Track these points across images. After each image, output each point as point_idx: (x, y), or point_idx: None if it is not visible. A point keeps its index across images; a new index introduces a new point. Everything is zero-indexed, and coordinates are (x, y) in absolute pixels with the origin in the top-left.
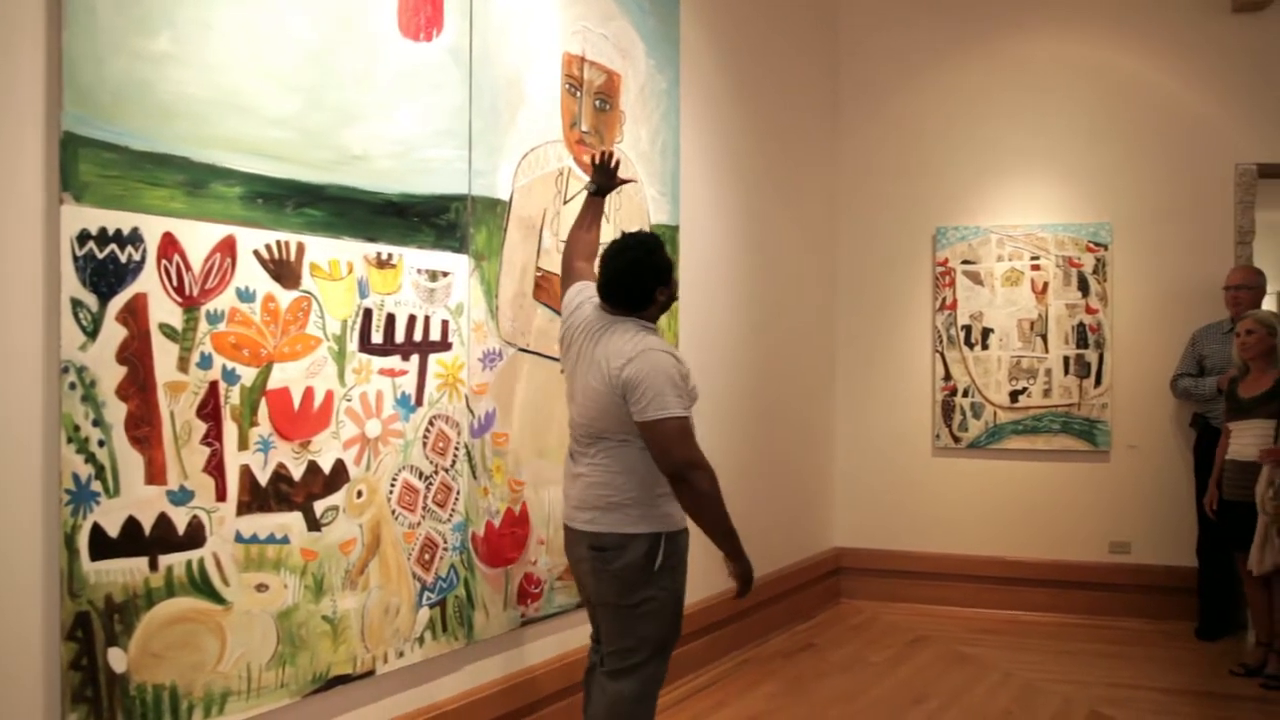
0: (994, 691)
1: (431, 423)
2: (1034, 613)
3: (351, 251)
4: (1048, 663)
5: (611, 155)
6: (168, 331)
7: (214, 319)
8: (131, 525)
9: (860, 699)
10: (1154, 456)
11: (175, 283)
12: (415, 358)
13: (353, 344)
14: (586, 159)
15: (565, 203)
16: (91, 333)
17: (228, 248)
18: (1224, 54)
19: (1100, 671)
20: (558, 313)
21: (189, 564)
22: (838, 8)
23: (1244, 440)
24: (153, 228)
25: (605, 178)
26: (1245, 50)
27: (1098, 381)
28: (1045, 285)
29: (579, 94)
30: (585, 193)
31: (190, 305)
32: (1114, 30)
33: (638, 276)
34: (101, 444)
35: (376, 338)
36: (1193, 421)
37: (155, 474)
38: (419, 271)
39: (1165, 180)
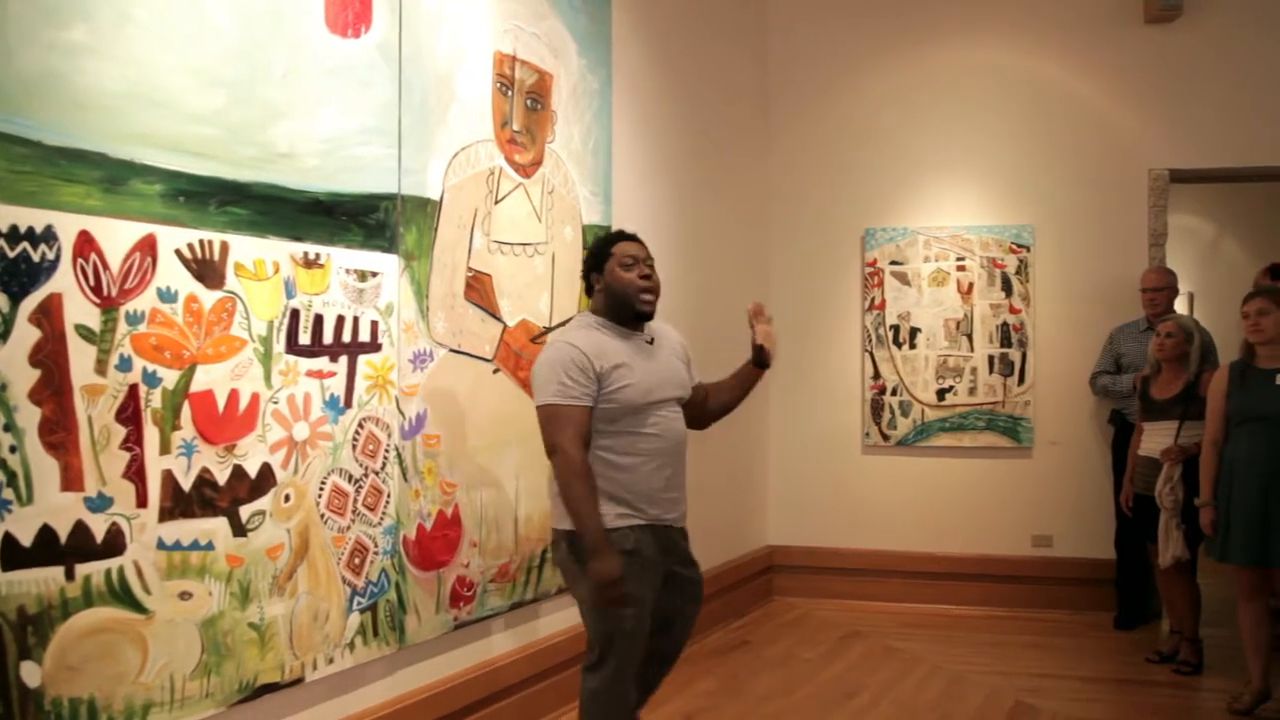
0: (923, 684)
1: (361, 425)
2: (961, 606)
3: (278, 251)
4: (974, 655)
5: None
6: (84, 333)
7: (134, 320)
8: (46, 534)
9: (794, 694)
10: (1074, 452)
11: (92, 283)
12: (344, 359)
13: (279, 345)
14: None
15: (497, 202)
16: (2, 335)
17: (148, 247)
18: (1138, 63)
19: (1024, 662)
20: (489, 313)
21: (108, 573)
22: (767, 9)
23: (1156, 439)
24: (68, 226)
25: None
26: (1157, 60)
27: (1021, 380)
28: (970, 286)
29: (510, 93)
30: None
31: (108, 306)
32: (1036, 39)
33: (584, 274)
34: (13, 450)
35: (304, 339)
36: (1111, 418)
37: (71, 480)
38: (348, 271)
39: (1084, 184)
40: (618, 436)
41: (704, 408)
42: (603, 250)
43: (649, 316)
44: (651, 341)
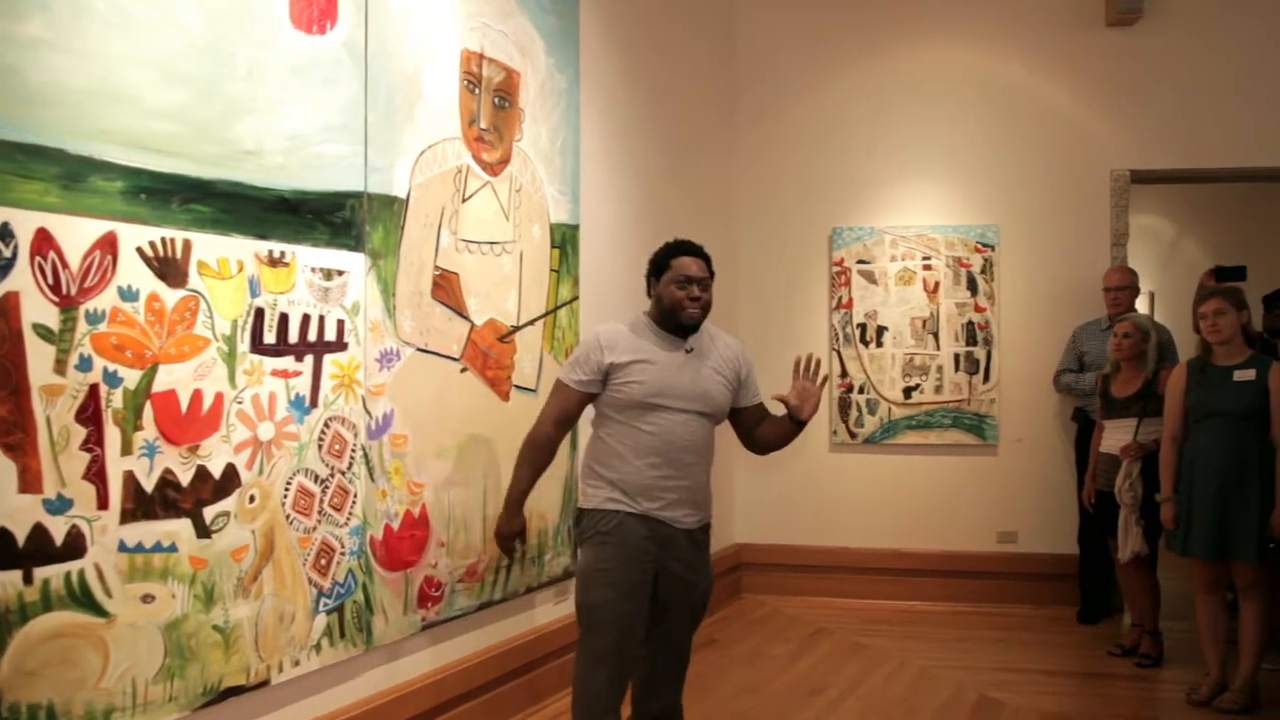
0: (890, 680)
1: (327, 425)
2: (927, 602)
3: (242, 249)
4: (940, 650)
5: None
6: (42, 332)
7: (94, 319)
8: (3, 536)
9: (762, 691)
10: (1038, 449)
11: (50, 281)
12: (310, 358)
13: (244, 344)
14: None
15: (464, 201)
16: None
17: (108, 245)
18: (1100, 65)
19: (989, 656)
20: (457, 312)
21: (68, 576)
22: (735, 8)
23: (1116, 436)
24: (25, 223)
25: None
26: (1118, 62)
27: (986, 378)
28: (936, 285)
29: (478, 91)
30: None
31: (68, 305)
32: (1000, 40)
33: (646, 275)
34: None
35: (269, 338)
36: (1074, 415)
37: (30, 482)
38: (313, 270)
39: (1047, 184)
40: (621, 426)
41: (752, 435)
42: (663, 261)
43: (693, 329)
44: (690, 351)
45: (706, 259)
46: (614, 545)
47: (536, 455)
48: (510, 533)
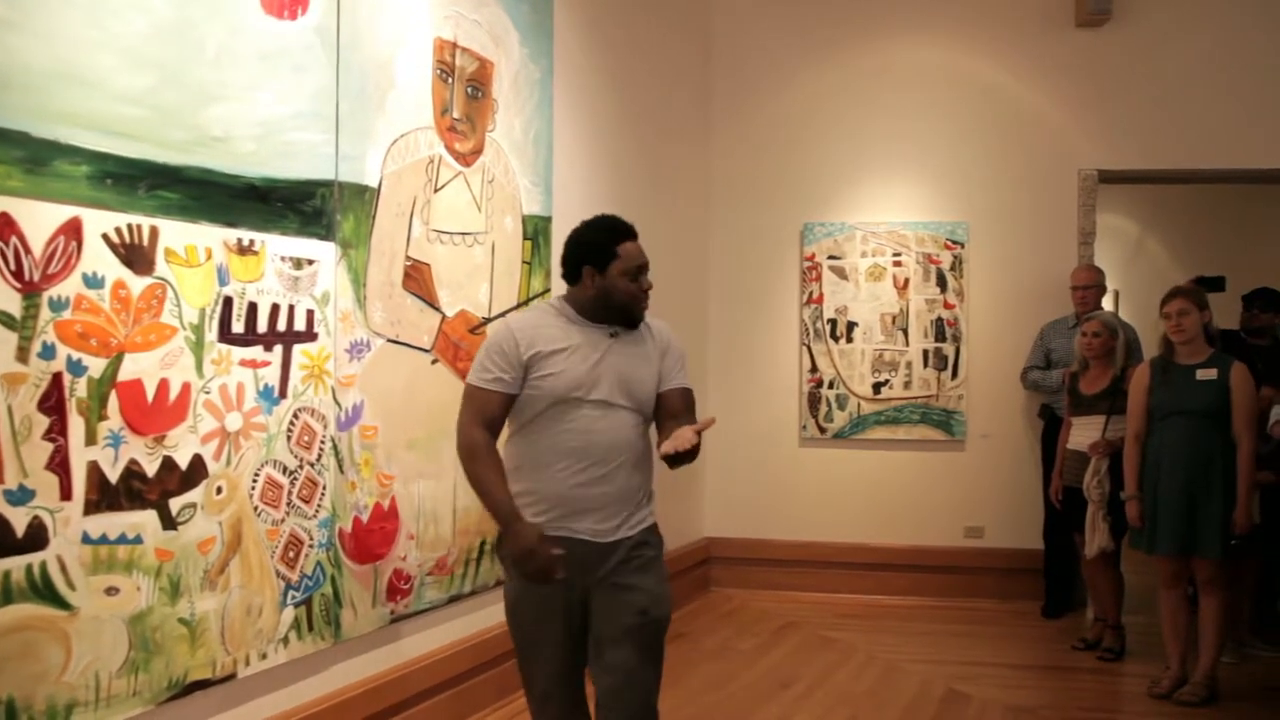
0: (858, 673)
1: (296, 415)
2: (894, 596)
3: (210, 237)
4: (907, 644)
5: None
6: (4, 319)
7: (57, 306)
8: None
9: (731, 685)
10: (1005, 445)
11: (13, 267)
12: (279, 348)
13: (211, 334)
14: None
15: (436, 191)
16: None
17: (73, 230)
18: (1068, 66)
19: (955, 650)
20: (428, 303)
21: (29, 568)
22: (711, 2)
23: (1083, 433)
24: None
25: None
26: (1087, 63)
27: (954, 374)
28: (906, 281)
29: (451, 80)
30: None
31: (30, 291)
32: (971, 40)
33: (569, 248)
34: None
35: (237, 327)
36: (1040, 412)
37: None
38: (283, 259)
39: (1016, 183)
40: (534, 430)
41: (660, 431)
42: (606, 247)
43: (638, 323)
44: (615, 335)
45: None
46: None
47: (485, 458)
48: (528, 547)
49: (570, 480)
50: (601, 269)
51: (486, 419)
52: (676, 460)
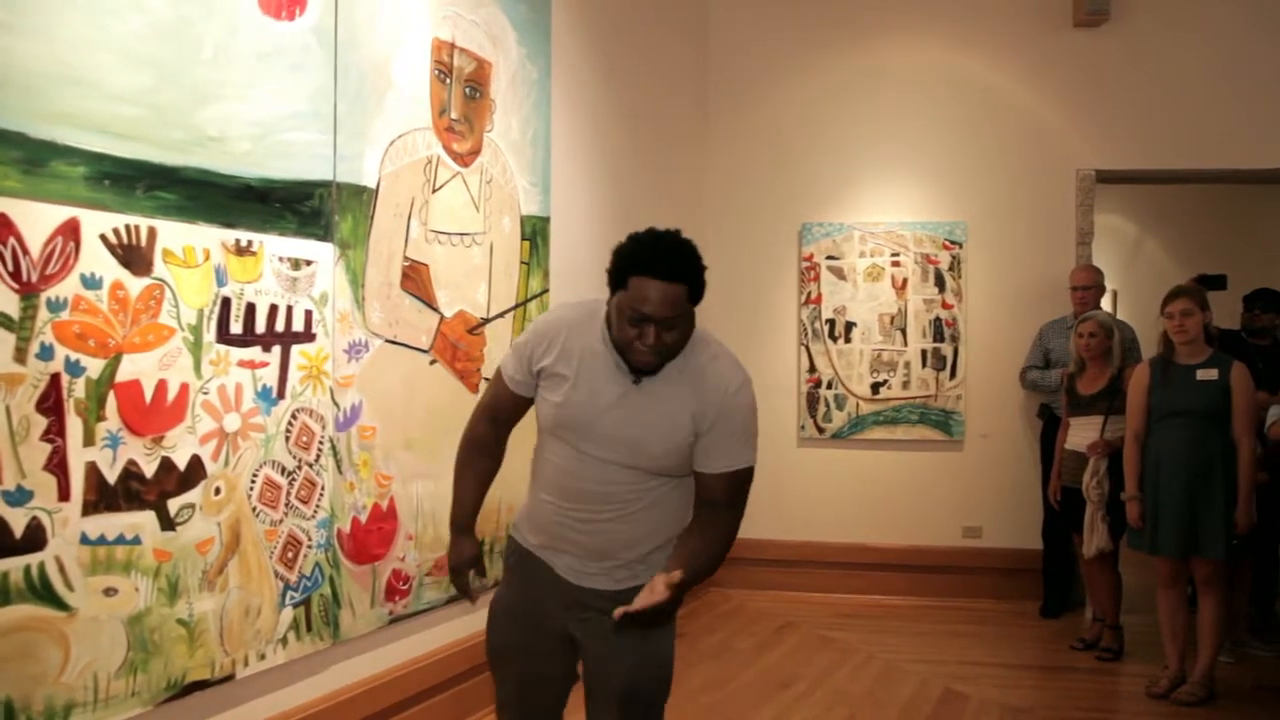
0: (857, 673)
1: (294, 416)
2: (893, 596)
3: (208, 237)
4: (906, 644)
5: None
6: (2, 320)
7: (55, 307)
8: None
9: (730, 685)
10: (1004, 445)
11: (10, 268)
12: (277, 349)
13: (210, 334)
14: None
15: (434, 191)
16: None
17: (71, 231)
18: (1066, 65)
19: (954, 650)
20: (426, 304)
21: (27, 569)
22: (708, 2)
23: (1082, 433)
24: None
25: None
26: (1085, 62)
27: (953, 374)
28: (905, 281)
29: (449, 80)
30: None
31: (28, 292)
32: (969, 40)
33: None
34: None
35: (235, 328)
36: (1039, 412)
37: None
38: (281, 259)
39: (1014, 183)
40: (544, 447)
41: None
42: (623, 274)
43: (645, 374)
44: (638, 382)
45: (690, 281)
46: (515, 586)
47: (475, 457)
48: (460, 564)
49: (551, 515)
50: (613, 293)
51: (496, 411)
52: (632, 621)
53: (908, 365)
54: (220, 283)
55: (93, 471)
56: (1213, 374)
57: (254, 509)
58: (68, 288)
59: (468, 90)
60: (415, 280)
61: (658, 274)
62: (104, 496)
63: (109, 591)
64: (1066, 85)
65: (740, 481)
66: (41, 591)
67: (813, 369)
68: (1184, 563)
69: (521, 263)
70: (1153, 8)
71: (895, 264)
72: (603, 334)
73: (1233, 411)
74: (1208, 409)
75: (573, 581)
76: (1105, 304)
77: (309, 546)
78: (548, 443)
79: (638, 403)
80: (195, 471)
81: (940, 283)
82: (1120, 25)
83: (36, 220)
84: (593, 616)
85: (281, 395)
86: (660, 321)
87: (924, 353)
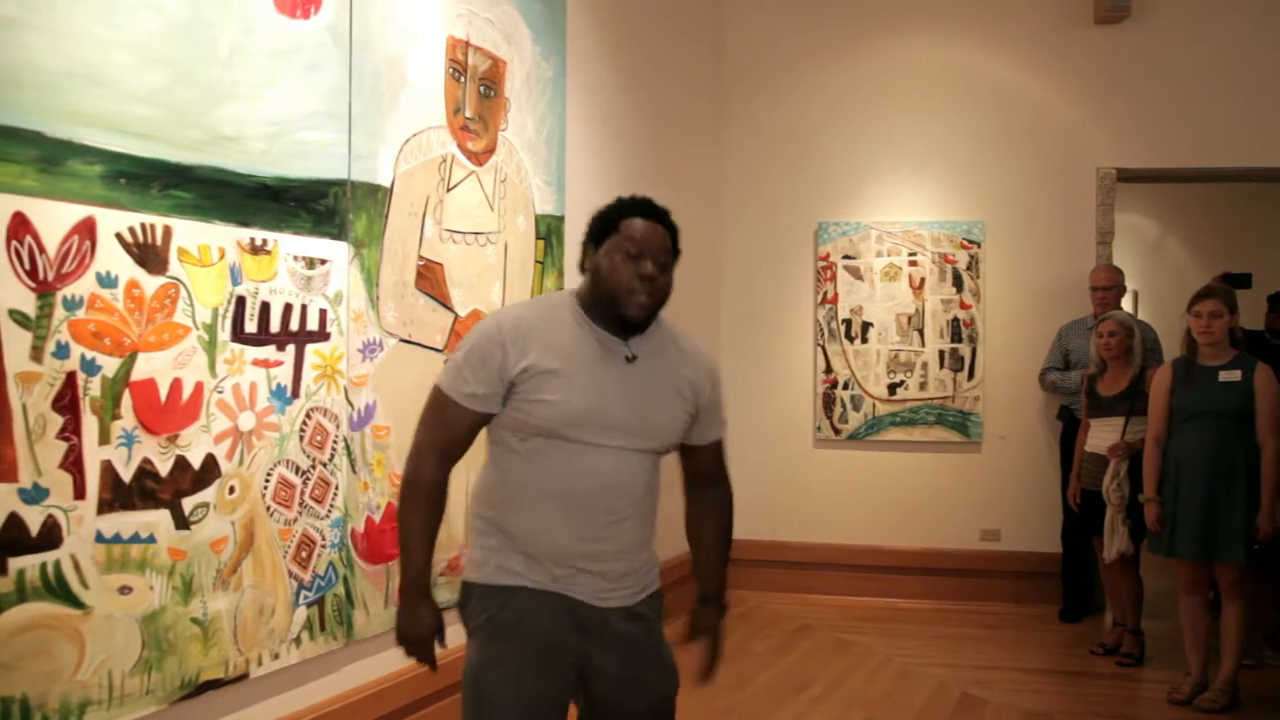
0: (873, 676)
1: (309, 415)
2: (910, 599)
3: (223, 236)
4: (923, 647)
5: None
6: (19, 318)
7: (71, 305)
8: None
9: (746, 688)
10: (1022, 447)
11: (27, 266)
12: (291, 348)
13: (224, 333)
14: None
15: (449, 190)
16: None
17: (87, 230)
18: (1087, 63)
19: (971, 654)
20: (441, 303)
21: (43, 567)
22: (724, 1)
23: (1102, 435)
24: (1, 207)
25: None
26: (1106, 60)
27: (970, 375)
28: (922, 281)
29: (463, 79)
30: None
31: (45, 290)
32: (988, 37)
33: (582, 243)
34: None
35: (250, 327)
36: (1059, 413)
37: (5, 471)
38: (295, 258)
39: (1033, 182)
40: (522, 459)
41: (691, 494)
42: (609, 221)
43: (636, 327)
44: (633, 359)
45: (672, 230)
46: (513, 639)
47: (424, 508)
48: (424, 634)
49: (564, 530)
50: (597, 245)
51: (448, 444)
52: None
53: (925, 366)
54: (235, 282)
55: (108, 470)
56: (1236, 375)
57: (268, 508)
58: (84, 286)
59: (482, 89)
60: (430, 279)
61: (644, 213)
62: (119, 495)
63: (124, 590)
64: (1087, 83)
65: (723, 447)
66: (57, 589)
67: (829, 369)
68: (1206, 568)
69: (536, 262)
70: (1175, 4)
71: (912, 263)
72: (578, 316)
73: (1256, 413)
74: (1231, 411)
75: (593, 604)
76: (1126, 304)
77: (323, 546)
78: (540, 453)
79: (639, 379)
80: (210, 470)
81: (958, 282)
82: (1141, 22)
83: (53, 219)
84: (617, 640)
85: (296, 394)
86: (654, 256)
87: (941, 353)
